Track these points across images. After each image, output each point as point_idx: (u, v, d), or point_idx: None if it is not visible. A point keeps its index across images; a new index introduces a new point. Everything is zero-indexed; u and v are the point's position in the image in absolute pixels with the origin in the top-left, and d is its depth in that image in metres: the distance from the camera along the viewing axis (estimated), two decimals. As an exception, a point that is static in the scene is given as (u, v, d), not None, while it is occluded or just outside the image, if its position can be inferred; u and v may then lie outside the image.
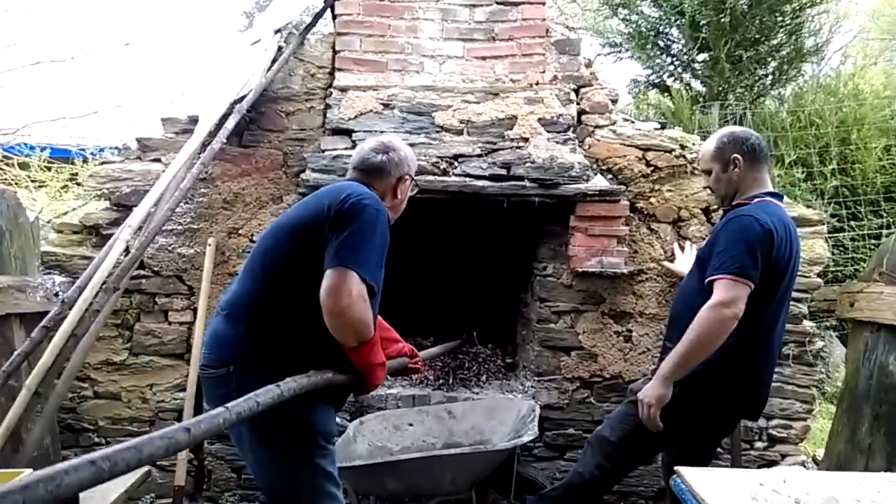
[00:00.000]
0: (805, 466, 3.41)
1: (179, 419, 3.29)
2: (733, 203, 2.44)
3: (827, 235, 3.59)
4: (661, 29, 7.27)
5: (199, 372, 2.08)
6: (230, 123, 3.18)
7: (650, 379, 2.38)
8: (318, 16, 3.53)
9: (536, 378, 3.42)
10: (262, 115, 3.41)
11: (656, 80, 7.70)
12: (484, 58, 3.41)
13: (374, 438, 3.11)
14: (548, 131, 3.33)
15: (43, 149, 6.19)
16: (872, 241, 4.92)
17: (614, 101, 3.51)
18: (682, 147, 3.39)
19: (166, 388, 3.37)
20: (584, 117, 3.44)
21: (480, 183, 3.20)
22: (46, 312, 2.82)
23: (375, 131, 3.29)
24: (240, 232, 3.40)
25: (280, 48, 3.45)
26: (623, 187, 3.33)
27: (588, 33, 7.97)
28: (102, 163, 3.51)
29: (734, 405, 2.45)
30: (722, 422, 2.54)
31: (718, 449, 2.93)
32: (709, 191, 3.03)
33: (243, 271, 2.08)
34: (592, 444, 2.60)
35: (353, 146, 3.28)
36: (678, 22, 6.85)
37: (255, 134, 3.42)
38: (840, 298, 3.34)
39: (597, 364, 3.39)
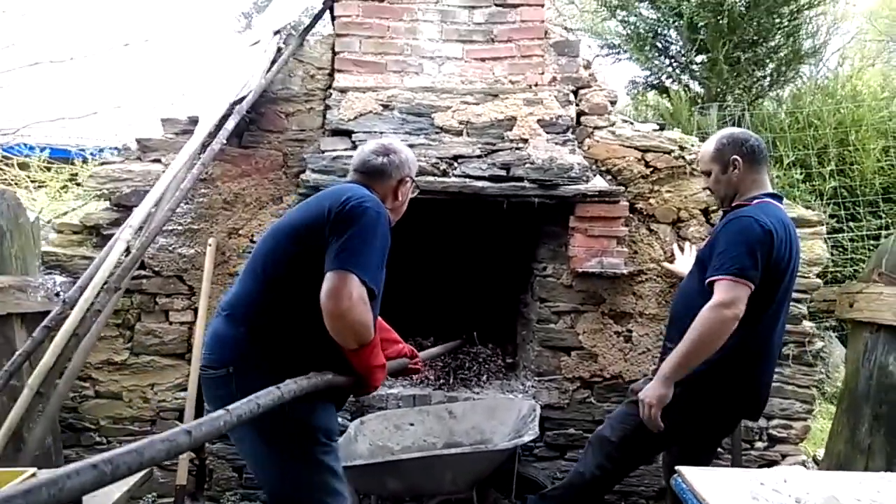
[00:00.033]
0: (805, 466, 3.42)
1: (180, 419, 3.30)
2: (733, 204, 2.45)
3: (826, 236, 3.60)
4: (659, 30, 7.28)
5: (200, 372, 2.09)
6: (230, 124, 3.18)
7: (651, 379, 2.39)
8: (317, 17, 3.54)
9: (537, 378, 3.43)
10: (261, 116, 3.42)
11: (655, 82, 7.71)
12: (483, 59, 3.42)
13: (374, 438, 3.11)
14: (547, 132, 3.34)
15: (42, 149, 6.19)
16: (871, 242, 4.94)
17: (613, 103, 3.52)
18: (681, 148, 3.40)
19: (167, 387, 3.37)
20: (583, 118, 3.45)
21: (480, 184, 3.21)
22: (47, 312, 2.82)
23: (375, 132, 3.30)
24: (240, 232, 3.41)
25: (279, 49, 3.46)
26: (622, 188, 3.34)
27: (586, 35, 7.99)
28: (102, 163, 3.51)
29: (735, 405, 2.46)
30: (723, 422, 2.55)
31: (719, 449, 2.94)
32: (708, 192, 3.04)
33: (244, 272, 2.08)
34: (593, 443, 2.60)
35: (353, 147, 3.28)
36: (676, 23, 6.87)
37: (255, 135, 3.43)
38: (839, 299, 3.35)
39: (597, 364, 3.40)
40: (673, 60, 7.43)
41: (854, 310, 3.20)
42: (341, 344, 1.89)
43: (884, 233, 4.93)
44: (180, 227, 3.36)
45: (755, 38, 6.67)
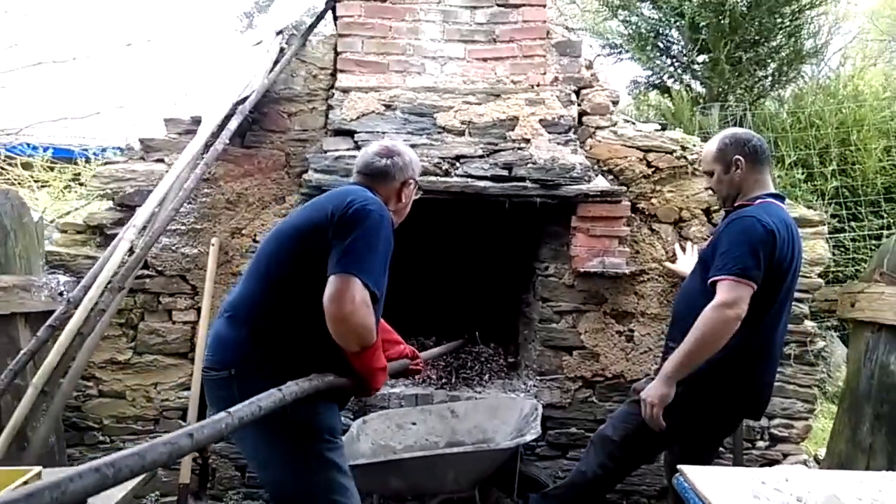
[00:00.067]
0: (807, 465, 3.43)
1: (183, 418, 3.31)
2: (735, 204, 2.45)
3: (827, 236, 3.60)
4: (660, 30, 7.28)
5: (202, 374, 2.09)
6: (233, 124, 3.19)
7: (653, 379, 2.40)
8: (319, 17, 3.55)
9: (539, 377, 3.44)
10: (264, 116, 3.43)
11: (656, 82, 7.72)
12: (485, 59, 3.43)
13: (377, 437, 3.12)
14: (549, 132, 3.35)
15: (45, 149, 6.20)
16: (873, 242, 4.94)
17: (615, 103, 3.52)
18: (683, 148, 3.41)
19: (170, 386, 3.38)
20: (585, 118, 3.46)
21: (482, 183, 3.22)
22: (51, 312, 2.84)
23: (377, 132, 3.31)
24: (243, 232, 3.42)
25: (282, 49, 3.46)
26: (624, 188, 3.34)
27: (588, 34, 7.99)
28: (106, 163, 3.52)
29: (737, 405, 2.47)
30: (724, 421, 2.56)
31: (720, 448, 2.95)
32: (710, 192, 3.05)
33: (246, 274, 2.09)
34: (595, 443, 2.61)
35: (356, 147, 3.29)
36: (678, 23, 6.87)
37: (258, 134, 3.44)
38: (841, 299, 3.36)
39: (599, 363, 3.41)
40: (675, 60, 7.43)
41: (855, 309, 3.20)
42: (343, 347, 1.89)
43: (885, 232, 4.93)
44: (183, 227, 3.38)
45: (757, 37, 6.67)
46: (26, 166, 5.95)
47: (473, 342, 3.97)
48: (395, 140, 2.91)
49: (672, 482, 1.91)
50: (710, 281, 2.28)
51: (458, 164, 3.27)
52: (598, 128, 3.44)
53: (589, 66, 3.52)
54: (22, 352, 2.70)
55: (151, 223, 3.06)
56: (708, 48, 6.71)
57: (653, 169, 3.40)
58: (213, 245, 3.33)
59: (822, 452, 3.69)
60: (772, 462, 3.35)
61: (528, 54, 3.42)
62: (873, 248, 4.72)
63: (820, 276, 3.40)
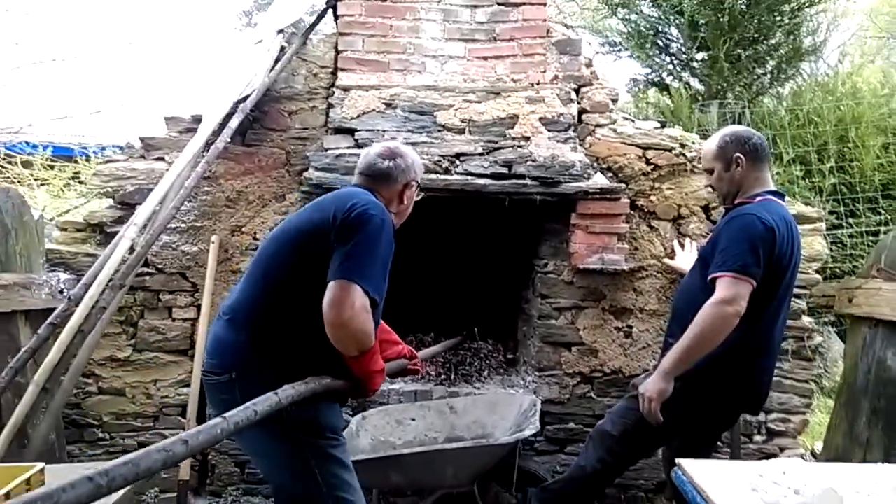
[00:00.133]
0: (804, 459, 3.45)
1: (183, 415, 3.32)
2: (735, 202, 2.47)
3: (825, 232, 3.62)
4: (660, 28, 7.29)
5: (202, 377, 2.09)
6: (234, 122, 3.21)
7: (652, 374, 2.42)
8: (320, 16, 3.56)
9: (537, 373, 3.45)
10: (265, 115, 3.44)
11: (655, 79, 7.72)
12: (485, 58, 3.44)
13: (376, 433, 3.14)
14: (549, 130, 3.36)
15: (45, 147, 6.20)
16: (870, 238, 4.95)
17: (614, 101, 3.54)
18: (682, 146, 3.42)
19: (170, 384, 3.39)
20: (584, 116, 3.47)
21: (482, 181, 3.23)
22: (51, 309, 2.85)
23: (378, 130, 3.32)
24: (243, 230, 3.43)
25: (283, 48, 3.48)
26: (623, 185, 3.36)
27: (587, 32, 8.00)
28: (106, 161, 3.53)
29: (735, 400, 2.48)
30: (723, 416, 2.58)
31: (718, 442, 2.97)
32: (710, 189, 3.06)
33: (246, 277, 2.08)
34: (594, 438, 2.63)
35: (356, 145, 3.31)
36: (677, 21, 6.88)
37: (259, 133, 3.45)
38: (839, 294, 3.37)
39: (597, 359, 3.42)
40: (674, 58, 7.44)
41: (853, 305, 3.22)
42: (342, 351, 1.90)
43: (883, 229, 4.94)
44: (183, 225, 3.39)
45: (756, 35, 6.68)
46: (26, 164, 5.95)
47: (472, 339, 3.98)
48: (398, 141, 2.93)
49: (670, 476, 1.92)
50: (709, 277, 2.29)
51: (458, 162, 3.28)
52: (597, 125, 3.45)
53: (588, 65, 3.53)
54: (23, 349, 2.71)
55: (152, 221, 3.08)
56: (707, 46, 6.72)
57: (652, 166, 3.41)
58: (213, 243, 3.34)
59: (818, 446, 3.71)
60: (769, 456, 3.36)
61: (529, 53, 3.43)
62: (871, 244, 4.73)
63: (818, 272, 3.41)
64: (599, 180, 3.29)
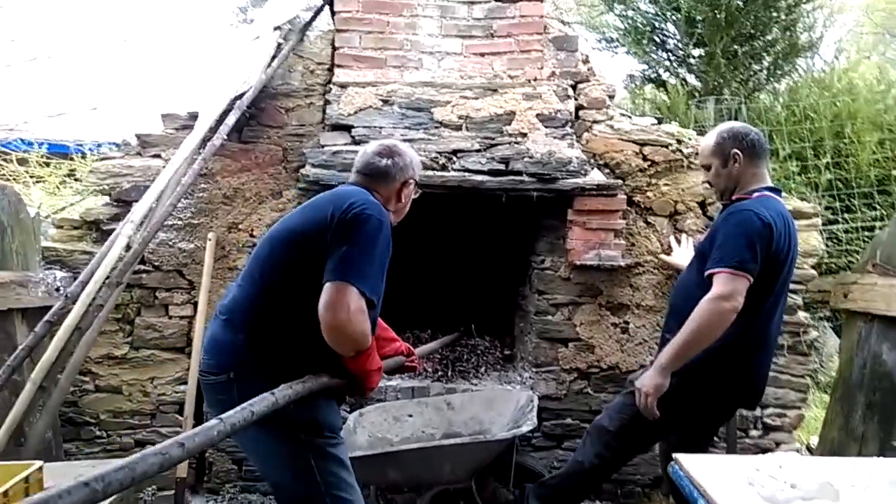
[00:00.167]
0: (799, 454, 3.46)
1: (180, 412, 3.32)
2: (733, 198, 2.47)
3: (821, 228, 3.63)
4: (656, 24, 7.29)
5: (199, 378, 2.08)
6: (230, 119, 3.20)
7: (648, 370, 2.42)
8: (317, 13, 3.54)
9: (534, 369, 3.46)
10: (261, 112, 3.43)
11: (652, 75, 7.73)
12: (482, 54, 3.44)
13: (374, 430, 3.14)
14: (546, 126, 3.36)
15: (41, 144, 6.18)
16: (866, 234, 4.97)
17: (611, 97, 3.54)
18: (679, 142, 3.43)
19: (167, 381, 3.39)
20: (581, 112, 3.47)
21: (479, 178, 3.24)
22: (48, 307, 2.84)
23: (374, 127, 3.32)
24: (240, 227, 3.43)
25: (279, 45, 3.46)
26: (620, 181, 3.36)
27: (584, 28, 7.99)
28: (102, 158, 3.52)
29: (732, 395, 2.49)
30: (720, 411, 2.59)
31: (714, 437, 2.98)
32: (708, 185, 3.08)
33: (242, 276, 2.07)
34: (591, 433, 2.64)
35: (353, 142, 3.30)
36: (674, 17, 6.88)
37: (255, 130, 3.45)
38: (834, 289, 3.39)
39: (594, 355, 3.43)
40: (670, 54, 7.44)
41: (848, 300, 3.23)
42: (339, 352, 1.89)
43: (878, 224, 4.95)
44: (180, 222, 3.38)
45: (752, 31, 6.68)
46: (21, 162, 5.93)
47: (469, 335, 3.99)
48: (395, 138, 2.92)
49: (667, 470, 1.93)
50: (706, 273, 2.30)
51: (455, 159, 3.28)
52: (594, 122, 3.45)
53: (585, 61, 3.53)
54: (20, 347, 2.70)
55: (149, 218, 3.07)
56: (704, 42, 6.72)
57: (649, 162, 3.42)
58: (209, 240, 3.34)
59: (814, 441, 3.72)
60: (765, 451, 3.38)
61: (526, 49, 3.43)
62: (866, 239, 4.75)
63: (813, 267, 3.43)
64: (596, 177, 3.30)
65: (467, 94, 3.38)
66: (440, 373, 3.61)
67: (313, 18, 3.53)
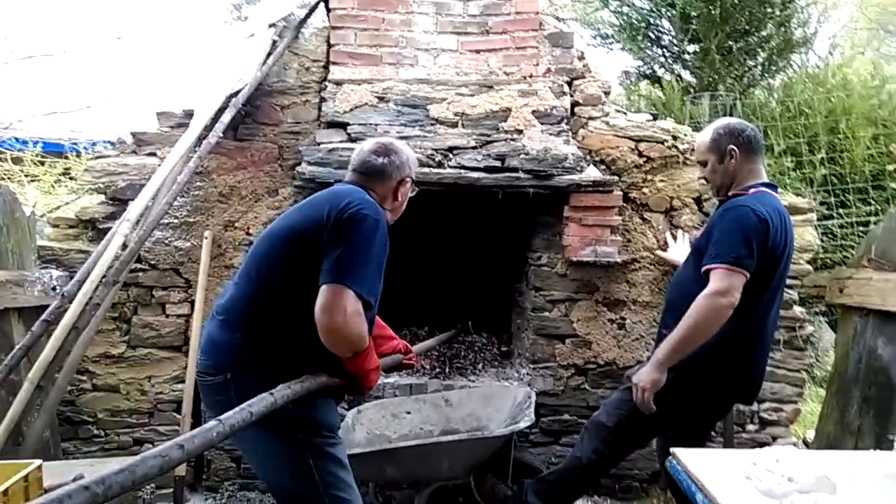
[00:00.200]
0: (796, 448, 3.48)
1: (178, 411, 3.32)
2: (729, 194, 2.48)
3: (816, 223, 3.64)
4: (651, 20, 7.29)
5: (197, 378, 2.07)
6: (226, 117, 3.20)
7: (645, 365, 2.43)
8: (312, 10, 3.53)
9: (532, 365, 3.47)
10: (257, 109, 3.43)
11: (647, 72, 7.72)
12: (478, 51, 3.44)
13: (372, 427, 3.14)
14: (541, 123, 3.37)
15: (35, 143, 6.16)
16: (861, 229, 4.98)
17: (607, 93, 3.54)
18: (674, 138, 3.44)
19: (164, 380, 3.39)
20: (577, 109, 3.48)
21: (475, 174, 3.24)
22: (44, 306, 2.84)
23: (370, 124, 3.31)
24: (236, 225, 3.42)
25: (274, 42, 3.46)
26: (616, 178, 3.37)
27: (579, 24, 7.98)
28: (97, 157, 3.51)
29: (729, 390, 2.50)
30: (717, 406, 2.60)
31: (711, 432, 2.99)
32: (704, 181, 3.09)
33: (239, 276, 2.06)
34: (590, 429, 2.65)
35: (349, 139, 3.30)
36: (669, 13, 6.88)
37: (251, 127, 3.44)
38: (830, 284, 3.40)
39: (591, 351, 3.44)
40: (665, 50, 7.44)
41: (844, 295, 3.25)
42: (336, 353, 1.89)
43: (873, 219, 4.97)
44: (176, 221, 3.37)
45: (747, 27, 6.68)
46: (16, 161, 5.91)
47: (466, 332, 3.99)
48: (392, 137, 2.92)
49: (665, 465, 1.94)
50: (703, 269, 2.31)
51: (451, 156, 3.29)
52: (590, 118, 3.46)
53: (581, 57, 3.53)
54: (17, 347, 2.71)
55: (145, 217, 3.07)
56: (698, 38, 6.73)
57: (644, 159, 3.42)
58: (206, 238, 3.33)
59: (810, 435, 3.74)
60: (761, 445, 3.39)
61: (521, 46, 3.43)
62: (861, 234, 4.77)
63: (809, 262, 3.44)
64: (592, 173, 3.30)
65: (463, 90, 3.38)
66: (438, 370, 3.61)
67: (308, 15, 3.53)
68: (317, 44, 3.49)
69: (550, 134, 3.35)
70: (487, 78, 3.41)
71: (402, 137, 3.16)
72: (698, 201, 3.45)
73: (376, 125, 3.32)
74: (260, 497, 3.33)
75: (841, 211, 5.15)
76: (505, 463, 2.93)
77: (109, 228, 3.09)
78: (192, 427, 3.12)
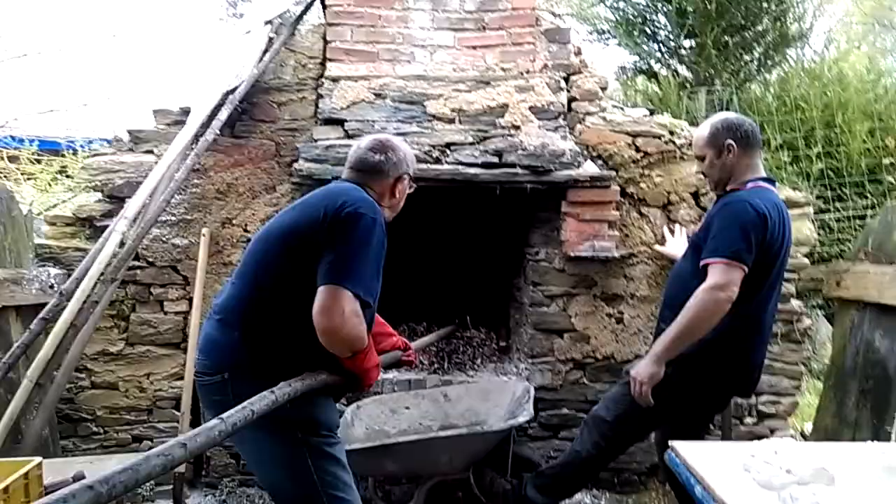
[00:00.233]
0: (794, 440, 3.50)
1: (177, 408, 3.32)
2: (727, 188, 2.48)
3: (813, 217, 3.65)
4: (647, 16, 7.28)
5: (195, 378, 2.07)
6: (223, 114, 3.19)
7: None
8: (307, 6, 3.53)
9: (530, 360, 3.47)
10: (254, 106, 3.42)
11: (644, 67, 7.72)
12: (475, 47, 3.44)
13: (371, 422, 3.15)
14: (539, 119, 3.37)
15: (31, 141, 6.14)
16: (857, 222, 4.99)
17: (604, 89, 3.55)
18: (671, 133, 3.44)
19: (163, 377, 3.39)
20: (574, 104, 3.48)
21: (473, 170, 3.24)
22: (42, 305, 2.84)
23: (367, 121, 3.31)
24: (233, 222, 3.42)
25: (271, 39, 3.45)
26: (613, 173, 3.37)
27: (575, 20, 7.97)
28: (94, 155, 3.51)
29: (728, 383, 2.52)
30: (715, 399, 2.61)
31: (710, 425, 3.00)
32: (702, 176, 3.10)
33: (236, 275, 2.05)
34: (588, 423, 2.66)
35: (346, 135, 3.30)
36: (665, 9, 6.87)
37: (248, 125, 3.43)
38: (827, 278, 3.42)
39: (589, 345, 3.45)
40: (662, 45, 7.43)
41: (841, 288, 3.26)
42: (335, 353, 1.89)
43: (870, 213, 4.98)
44: (174, 218, 3.37)
45: (743, 22, 6.68)
46: (12, 159, 5.90)
47: (465, 327, 4.00)
48: (389, 133, 2.91)
49: (664, 458, 1.95)
50: (701, 264, 2.31)
51: (448, 152, 3.28)
52: (587, 114, 3.46)
53: (578, 53, 3.53)
54: (15, 345, 2.70)
55: (142, 214, 3.06)
56: (695, 33, 6.72)
57: (641, 154, 3.43)
58: (203, 235, 3.33)
59: (808, 428, 3.76)
60: (760, 437, 3.38)
61: (518, 41, 3.43)
62: (858, 228, 4.78)
63: (806, 256, 3.46)
64: (589, 168, 3.31)
65: (460, 87, 3.38)
66: (436, 365, 3.62)
67: (304, 12, 3.52)
68: (313, 40, 3.48)
69: (548, 129, 3.35)
70: (484, 74, 3.41)
71: (399, 134, 3.16)
72: (696, 196, 3.45)
73: (373, 122, 3.31)
74: (259, 493, 3.33)
75: (838, 205, 5.16)
76: (504, 457, 2.94)
77: (107, 226, 3.09)
78: (191, 424, 3.13)
